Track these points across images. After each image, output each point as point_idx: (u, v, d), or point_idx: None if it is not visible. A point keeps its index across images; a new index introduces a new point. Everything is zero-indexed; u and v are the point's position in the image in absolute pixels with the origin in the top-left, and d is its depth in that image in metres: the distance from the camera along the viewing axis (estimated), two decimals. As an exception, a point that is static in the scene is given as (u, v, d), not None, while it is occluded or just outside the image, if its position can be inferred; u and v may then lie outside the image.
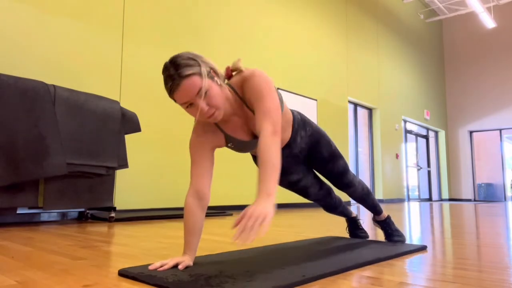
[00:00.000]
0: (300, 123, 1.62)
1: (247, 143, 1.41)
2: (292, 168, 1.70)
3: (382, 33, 9.42)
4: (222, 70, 1.35)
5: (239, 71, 1.36)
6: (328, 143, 1.72)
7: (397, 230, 1.98)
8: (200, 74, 1.21)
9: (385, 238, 1.96)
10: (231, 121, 1.37)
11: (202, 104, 1.22)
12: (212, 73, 1.26)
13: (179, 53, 1.25)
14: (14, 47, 3.35)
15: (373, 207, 1.92)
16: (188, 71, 1.19)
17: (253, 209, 1.03)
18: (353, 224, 2.09)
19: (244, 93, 1.32)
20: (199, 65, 1.22)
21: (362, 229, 2.10)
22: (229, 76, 1.37)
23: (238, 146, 1.42)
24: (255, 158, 1.71)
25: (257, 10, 5.96)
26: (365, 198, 1.89)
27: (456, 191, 12.24)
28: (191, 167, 1.36)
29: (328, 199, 1.84)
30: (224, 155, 5.10)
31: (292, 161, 1.69)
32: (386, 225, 1.97)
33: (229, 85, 1.34)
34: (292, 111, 1.61)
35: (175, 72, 1.19)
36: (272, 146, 1.17)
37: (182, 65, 1.20)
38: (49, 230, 2.54)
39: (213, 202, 4.91)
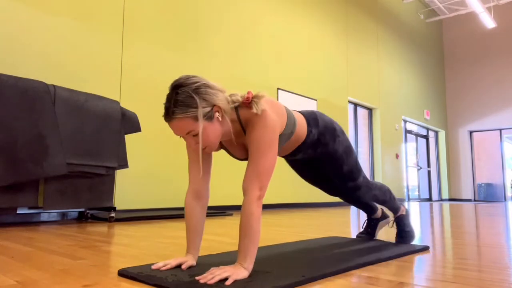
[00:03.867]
0: (311, 141, 1.58)
1: (242, 159, 1.44)
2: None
3: (382, 33, 9.42)
4: (242, 93, 1.29)
5: (257, 100, 1.26)
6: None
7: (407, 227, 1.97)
8: (195, 117, 1.16)
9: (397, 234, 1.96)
10: (231, 143, 1.37)
11: (192, 142, 1.21)
12: (214, 110, 1.20)
13: (187, 78, 1.19)
14: (14, 47, 3.34)
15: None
16: (182, 113, 1.15)
17: (226, 268, 1.13)
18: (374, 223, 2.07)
19: (246, 127, 1.28)
20: (197, 107, 1.16)
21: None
22: (247, 102, 1.26)
23: (234, 157, 1.44)
24: None
25: (257, 10, 5.95)
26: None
27: (456, 191, 12.24)
28: (189, 167, 1.37)
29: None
30: (224, 156, 5.10)
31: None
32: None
33: (237, 110, 1.28)
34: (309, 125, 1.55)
35: (171, 106, 1.16)
36: (254, 214, 1.17)
37: (179, 103, 1.15)
38: (49, 230, 2.54)
39: (213, 202, 4.91)
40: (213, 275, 1.08)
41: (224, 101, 1.23)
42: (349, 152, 1.66)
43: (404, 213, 1.95)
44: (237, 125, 1.29)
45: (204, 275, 1.10)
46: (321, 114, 1.63)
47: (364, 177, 1.74)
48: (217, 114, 1.20)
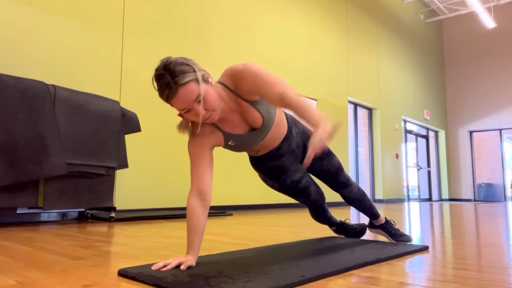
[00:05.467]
0: (291, 119, 1.70)
1: (246, 137, 1.44)
2: (294, 166, 1.71)
3: (382, 33, 9.42)
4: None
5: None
6: None
7: (399, 230, 1.98)
8: (196, 80, 1.21)
9: (392, 239, 1.95)
10: (228, 118, 1.39)
11: (200, 110, 1.23)
12: (206, 75, 1.27)
13: (169, 58, 1.23)
14: (14, 47, 3.35)
15: (371, 208, 1.92)
16: (185, 78, 1.19)
17: (318, 134, 1.15)
18: (343, 228, 2.07)
19: (236, 85, 1.33)
20: (194, 71, 1.22)
21: (353, 225, 2.08)
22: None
23: (238, 142, 1.44)
24: (252, 159, 1.71)
25: (257, 10, 5.96)
26: (362, 199, 1.89)
27: (456, 191, 12.24)
28: (191, 168, 1.37)
29: (323, 198, 1.85)
30: (224, 156, 5.10)
31: (293, 159, 1.71)
32: (388, 226, 1.97)
33: (220, 82, 1.37)
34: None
35: (171, 80, 1.18)
36: (301, 99, 1.25)
37: (178, 72, 1.19)
38: (49, 230, 2.54)
39: (213, 202, 4.91)
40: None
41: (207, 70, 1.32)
42: (331, 151, 1.80)
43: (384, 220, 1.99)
44: (227, 92, 1.35)
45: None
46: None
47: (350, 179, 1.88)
48: (209, 78, 1.27)
